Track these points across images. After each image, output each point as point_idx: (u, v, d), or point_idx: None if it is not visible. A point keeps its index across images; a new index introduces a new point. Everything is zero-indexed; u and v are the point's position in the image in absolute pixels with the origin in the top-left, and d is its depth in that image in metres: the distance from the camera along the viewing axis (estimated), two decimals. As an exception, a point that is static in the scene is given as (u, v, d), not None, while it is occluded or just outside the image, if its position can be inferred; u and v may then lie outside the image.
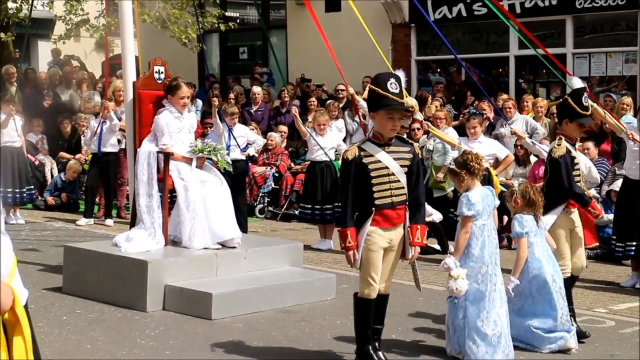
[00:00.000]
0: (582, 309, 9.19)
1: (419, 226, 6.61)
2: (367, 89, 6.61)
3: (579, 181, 7.99)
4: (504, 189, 13.28)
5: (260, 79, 19.92)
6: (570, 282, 7.86)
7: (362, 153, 6.43)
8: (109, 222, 14.24)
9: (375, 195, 6.44)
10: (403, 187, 6.52)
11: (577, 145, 8.16)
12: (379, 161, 6.43)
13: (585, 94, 8.01)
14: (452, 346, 7.22)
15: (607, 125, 12.04)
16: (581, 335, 7.69)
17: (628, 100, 13.41)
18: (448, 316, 7.26)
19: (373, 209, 6.44)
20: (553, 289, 7.46)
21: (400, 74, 6.73)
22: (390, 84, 6.38)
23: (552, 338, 7.44)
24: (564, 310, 7.48)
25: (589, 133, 13.50)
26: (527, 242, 7.49)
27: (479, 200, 7.18)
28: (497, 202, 7.89)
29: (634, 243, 10.33)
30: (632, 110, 13.45)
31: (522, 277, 7.49)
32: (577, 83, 8.67)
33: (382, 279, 6.65)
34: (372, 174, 6.42)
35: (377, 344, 6.78)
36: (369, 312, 6.64)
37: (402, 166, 6.50)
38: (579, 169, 7.99)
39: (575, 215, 7.97)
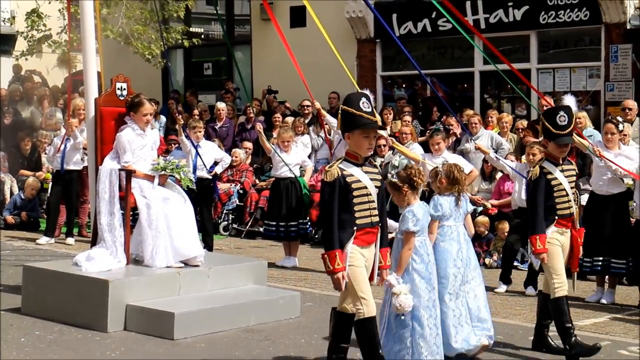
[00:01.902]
0: (547, 325, 9.27)
1: (387, 249, 6.79)
2: (339, 110, 6.62)
3: (564, 202, 7.80)
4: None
5: (234, 94, 19.89)
6: (564, 301, 7.78)
7: (343, 172, 6.43)
8: (70, 240, 14.13)
9: (357, 215, 6.45)
10: (376, 208, 6.57)
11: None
12: (360, 181, 6.46)
13: (561, 112, 7.79)
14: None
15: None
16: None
17: (582, 114, 13.50)
18: (396, 333, 7.21)
19: (355, 228, 6.45)
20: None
21: (367, 91, 6.75)
22: (363, 103, 6.44)
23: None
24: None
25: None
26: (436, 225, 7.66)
27: (422, 216, 7.21)
28: (471, 208, 8.28)
29: (601, 258, 10.40)
30: (588, 123, 13.54)
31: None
32: (569, 101, 8.62)
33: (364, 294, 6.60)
34: (355, 193, 6.43)
35: None
36: (372, 331, 6.61)
37: (376, 187, 6.56)
38: (562, 190, 7.78)
39: (566, 236, 7.90)
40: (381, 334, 7.13)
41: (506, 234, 12.58)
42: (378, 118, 6.60)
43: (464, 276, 7.75)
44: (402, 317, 7.12)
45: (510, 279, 11.21)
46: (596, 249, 10.46)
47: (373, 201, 6.52)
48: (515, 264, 12.01)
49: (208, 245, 13.09)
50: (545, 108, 14.20)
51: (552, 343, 8.00)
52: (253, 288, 9.61)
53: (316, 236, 14.72)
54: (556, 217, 7.79)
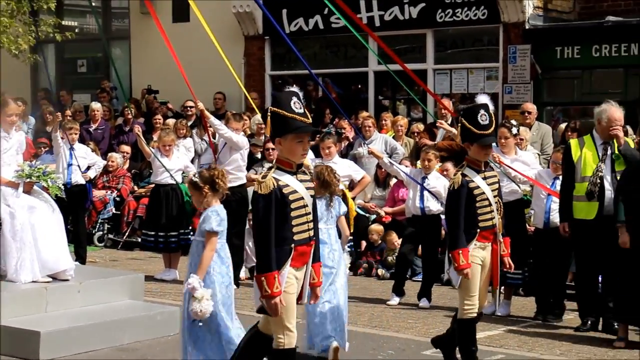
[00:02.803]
0: (442, 339, 9.40)
1: (320, 264, 6.49)
2: (267, 112, 6.24)
3: (486, 213, 7.62)
4: (360, 212, 13.56)
5: (111, 93, 19.65)
6: (471, 323, 7.79)
7: (279, 183, 6.07)
8: None
9: (295, 230, 6.13)
10: (312, 220, 6.29)
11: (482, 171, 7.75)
12: (296, 191, 6.13)
13: (482, 110, 7.61)
14: None
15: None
16: None
17: (447, 102, 13.76)
18: (193, 338, 7.28)
19: (292, 245, 6.13)
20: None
21: (295, 88, 6.38)
22: (294, 103, 6.14)
23: None
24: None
25: (450, 152, 13.82)
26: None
27: (225, 217, 7.29)
28: (344, 210, 8.66)
29: None
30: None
31: None
32: (482, 99, 8.49)
33: (289, 324, 6.26)
34: (292, 205, 6.09)
35: None
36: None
37: (311, 196, 6.27)
38: (485, 199, 7.60)
39: (487, 250, 7.73)
40: (181, 339, 7.30)
41: (396, 243, 12.73)
42: (310, 119, 6.26)
43: (334, 277, 8.29)
44: (200, 324, 7.14)
45: (404, 291, 11.33)
46: None
47: (309, 213, 6.24)
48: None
49: (80, 257, 12.94)
50: (443, 111, 14.52)
51: None
52: (128, 303, 9.53)
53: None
54: (478, 230, 7.59)
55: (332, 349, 8.16)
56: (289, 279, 6.14)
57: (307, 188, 6.25)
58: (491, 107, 7.95)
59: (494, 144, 11.73)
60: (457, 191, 7.54)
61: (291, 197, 6.08)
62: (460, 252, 7.47)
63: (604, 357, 8.77)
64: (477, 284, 7.62)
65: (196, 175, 7.54)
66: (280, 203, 6.04)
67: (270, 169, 6.23)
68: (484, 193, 7.59)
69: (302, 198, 6.15)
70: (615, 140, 9.53)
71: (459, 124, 7.87)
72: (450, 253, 7.59)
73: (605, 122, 9.57)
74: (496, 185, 7.77)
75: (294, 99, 6.17)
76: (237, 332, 7.21)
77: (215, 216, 7.21)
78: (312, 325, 8.38)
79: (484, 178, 7.64)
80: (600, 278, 9.91)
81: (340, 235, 8.85)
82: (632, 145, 9.89)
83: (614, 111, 9.62)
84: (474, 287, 7.61)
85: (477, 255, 7.61)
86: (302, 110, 6.15)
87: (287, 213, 6.07)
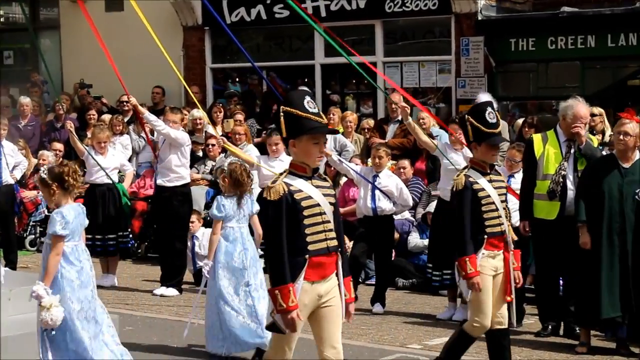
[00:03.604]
0: (395, 345, 9.45)
1: (350, 278, 6.20)
2: (280, 113, 5.96)
3: (494, 218, 7.39)
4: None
5: (41, 87, 19.40)
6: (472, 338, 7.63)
7: (291, 188, 5.82)
8: None
9: (309, 239, 5.85)
10: (333, 230, 5.98)
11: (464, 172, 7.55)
12: (311, 197, 5.87)
13: (489, 108, 7.43)
14: None
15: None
16: None
17: (424, 114, 13.80)
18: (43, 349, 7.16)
19: (307, 256, 5.85)
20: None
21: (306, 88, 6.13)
22: (307, 102, 5.90)
23: None
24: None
25: (402, 150, 13.90)
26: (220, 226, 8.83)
27: (74, 219, 7.11)
28: (256, 209, 9.12)
29: (450, 272, 10.40)
30: (433, 122, 13.81)
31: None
32: (483, 97, 8.30)
33: (332, 343, 6.00)
34: (305, 212, 5.82)
35: None
36: None
37: (330, 204, 5.97)
38: (491, 203, 7.36)
39: (499, 259, 7.45)
40: (39, 351, 7.11)
41: (348, 247, 12.72)
42: (325, 119, 6.07)
43: (248, 276, 8.88)
44: (53, 333, 6.99)
45: (356, 296, 11.33)
46: (445, 261, 10.37)
47: (328, 221, 5.92)
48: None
49: (11, 262, 12.79)
50: (394, 106, 14.55)
51: None
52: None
53: (139, 251, 14.55)
54: (485, 237, 7.33)
55: (256, 349, 8.69)
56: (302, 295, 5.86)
57: (326, 195, 5.97)
58: (495, 106, 7.84)
59: (445, 140, 11.88)
60: (461, 193, 7.33)
61: (304, 204, 5.82)
62: (468, 259, 7.22)
63: (565, 363, 8.88)
64: (490, 299, 7.35)
65: (45, 172, 7.27)
66: (291, 210, 5.79)
67: (281, 173, 5.99)
68: (489, 196, 7.34)
69: (317, 205, 5.87)
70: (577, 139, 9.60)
71: (467, 124, 7.53)
72: (456, 261, 7.35)
73: (570, 119, 9.58)
74: (503, 190, 7.59)
75: (307, 98, 5.96)
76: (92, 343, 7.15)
77: (60, 219, 6.98)
78: (224, 326, 8.81)
79: (490, 181, 7.40)
80: (561, 281, 9.96)
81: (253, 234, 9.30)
82: (595, 143, 9.97)
83: (580, 107, 9.65)
84: (485, 303, 7.34)
85: (487, 265, 7.33)
86: (316, 110, 5.94)
87: (299, 221, 5.81)
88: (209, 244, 9.31)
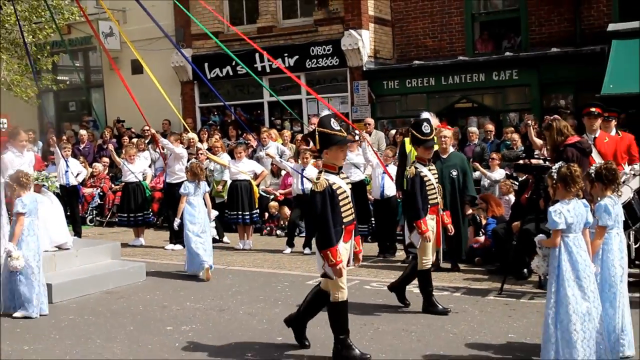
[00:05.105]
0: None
1: (359, 237, 5.97)
2: (315, 132, 5.58)
3: (432, 194, 7.10)
4: (263, 194, 13.60)
5: (87, 125, 19.18)
6: (428, 272, 7.23)
7: (329, 182, 5.50)
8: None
9: (343, 215, 5.54)
10: (354, 207, 5.71)
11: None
12: (341, 187, 5.57)
13: (425, 123, 7.07)
14: None
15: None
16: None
17: (315, 119, 13.84)
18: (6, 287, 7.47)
19: (343, 226, 5.56)
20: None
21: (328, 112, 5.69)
22: (333, 122, 5.58)
23: None
24: None
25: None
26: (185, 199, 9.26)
27: (30, 203, 7.39)
28: (208, 188, 9.77)
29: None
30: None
31: None
32: (424, 115, 8.15)
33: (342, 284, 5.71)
34: (340, 197, 5.52)
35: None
36: (345, 311, 5.76)
37: (350, 189, 5.70)
38: (431, 184, 7.09)
39: (434, 221, 7.17)
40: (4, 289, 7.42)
41: (287, 213, 12.84)
42: (346, 134, 5.72)
43: (202, 227, 9.41)
44: (19, 275, 7.33)
45: (294, 244, 11.44)
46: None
47: (351, 202, 5.65)
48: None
49: (78, 233, 12.67)
50: (313, 127, 14.61)
51: (439, 306, 7.15)
52: (111, 262, 9.42)
53: (157, 223, 14.48)
54: (428, 207, 7.06)
55: (206, 269, 9.07)
56: (342, 252, 5.56)
57: (347, 184, 5.68)
58: (432, 121, 7.53)
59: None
60: (413, 179, 7.01)
61: (338, 192, 5.53)
62: (422, 221, 6.94)
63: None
64: (431, 245, 7.11)
65: (7, 177, 7.67)
66: (331, 196, 5.48)
67: (320, 172, 5.63)
68: (430, 180, 7.09)
69: (345, 191, 5.59)
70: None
71: (409, 133, 7.26)
72: (414, 222, 6.99)
73: None
74: (437, 175, 7.25)
75: (332, 119, 5.61)
76: (32, 290, 7.38)
77: (20, 203, 7.35)
78: (189, 256, 9.34)
79: (429, 170, 7.15)
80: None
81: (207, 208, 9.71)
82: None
83: (431, 119, 9.74)
84: (430, 248, 7.09)
85: (429, 225, 7.08)
86: (339, 127, 5.60)
87: (336, 204, 5.51)
88: (177, 209, 9.88)
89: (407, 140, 10.07)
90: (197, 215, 9.46)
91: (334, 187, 5.50)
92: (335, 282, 5.62)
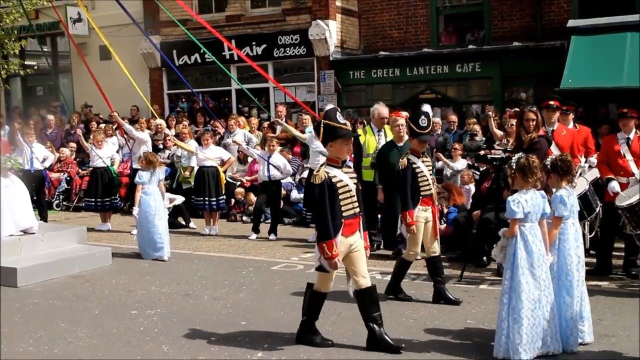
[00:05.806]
0: (283, 258, 9.42)
1: (366, 232, 5.75)
2: (321, 125, 5.44)
3: (425, 185, 6.92)
4: (230, 181, 13.54)
5: (54, 110, 18.84)
6: (408, 264, 7.13)
7: (329, 175, 5.40)
8: None
9: (343, 208, 5.42)
10: (357, 201, 5.55)
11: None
12: (342, 180, 5.43)
13: (422, 116, 6.88)
14: None
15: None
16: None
17: (307, 117, 13.82)
18: None
19: (342, 220, 5.43)
20: None
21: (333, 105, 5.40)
22: (338, 116, 5.45)
23: None
24: None
25: (286, 140, 13.91)
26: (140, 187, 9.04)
27: None
28: (163, 176, 9.91)
29: None
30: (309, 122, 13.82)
31: None
32: (425, 107, 7.77)
33: (362, 274, 5.58)
34: (340, 191, 5.40)
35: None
36: (322, 301, 5.74)
37: (354, 183, 5.54)
38: (424, 176, 6.90)
39: (429, 212, 6.96)
40: None
41: (253, 200, 12.79)
42: (350, 127, 5.48)
43: (158, 215, 9.50)
44: None
45: (259, 230, 11.41)
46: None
47: (354, 195, 5.49)
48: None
49: (44, 218, 12.47)
50: (279, 113, 14.58)
51: (451, 296, 7.01)
52: (77, 247, 9.30)
53: (124, 208, 14.32)
54: (420, 198, 6.89)
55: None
56: (340, 245, 5.41)
57: (351, 177, 5.53)
58: (431, 114, 7.33)
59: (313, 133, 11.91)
60: (404, 170, 6.87)
61: (339, 185, 5.39)
62: (408, 213, 6.80)
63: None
64: (420, 237, 6.93)
65: None
66: (330, 189, 5.35)
67: (322, 165, 5.51)
68: (422, 171, 6.90)
69: (347, 185, 5.44)
70: (384, 128, 9.61)
71: (407, 124, 7.04)
72: (401, 214, 6.89)
73: (376, 116, 9.70)
74: (430, 166, 7.11)
75: (337, 113, 5.49)
76: None
77: None
78: (144, 243, 9.46)
79: (423, 162, 6.96)
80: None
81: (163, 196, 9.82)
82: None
83: (381, 109, 9.75)
84: (417, 239, 6.95)
85: (421, 216, 6.89)
86: (344, 121, 5.47)
87: (336, 197, 5.38)
88: (134, 198, 9.91)
89: (361, 131, 10.09)
90: (152, 204, 9.49)
91: (334, 180, 5.39)
92: (325, 276, 5.58)
